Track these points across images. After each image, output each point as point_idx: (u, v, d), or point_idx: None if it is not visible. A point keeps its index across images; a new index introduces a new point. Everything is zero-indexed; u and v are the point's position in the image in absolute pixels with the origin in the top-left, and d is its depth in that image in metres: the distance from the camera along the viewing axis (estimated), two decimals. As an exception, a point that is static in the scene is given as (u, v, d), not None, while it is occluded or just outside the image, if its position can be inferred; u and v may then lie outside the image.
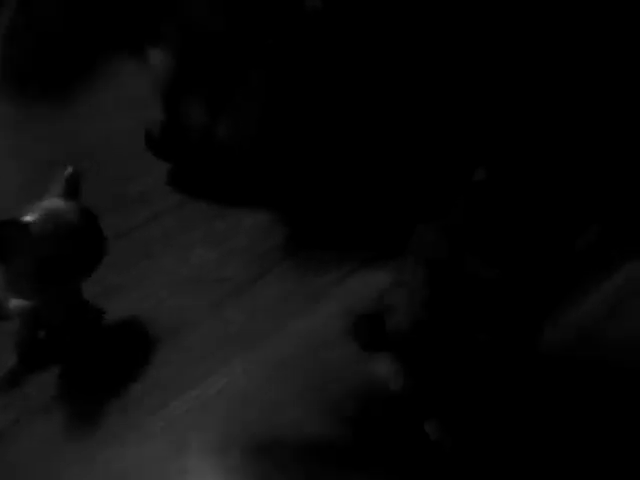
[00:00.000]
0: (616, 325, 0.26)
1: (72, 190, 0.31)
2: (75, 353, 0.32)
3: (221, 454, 0.26)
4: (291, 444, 0.26)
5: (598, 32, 0.23)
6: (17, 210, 0.29)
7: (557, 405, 0.23)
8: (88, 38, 0.54)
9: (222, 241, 0.37)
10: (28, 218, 0.28)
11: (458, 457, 0.22)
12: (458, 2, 0.24)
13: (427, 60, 0.32)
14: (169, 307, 0.34)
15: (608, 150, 0.22)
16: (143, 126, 0.41)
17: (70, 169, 0.31)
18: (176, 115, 0.38)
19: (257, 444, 0.26)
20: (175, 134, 0.39)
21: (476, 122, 0.22)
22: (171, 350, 0.31)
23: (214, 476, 0.26)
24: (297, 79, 0.34)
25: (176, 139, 0.39)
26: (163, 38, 0.38)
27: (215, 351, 0.31)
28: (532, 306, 0.19)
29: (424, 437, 0.23)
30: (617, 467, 0.21)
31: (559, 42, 0.25)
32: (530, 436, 0.23)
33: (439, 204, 0.20)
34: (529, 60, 0.25)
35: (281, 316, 0.32)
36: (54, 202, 0.30)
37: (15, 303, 0.31)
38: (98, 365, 0.31)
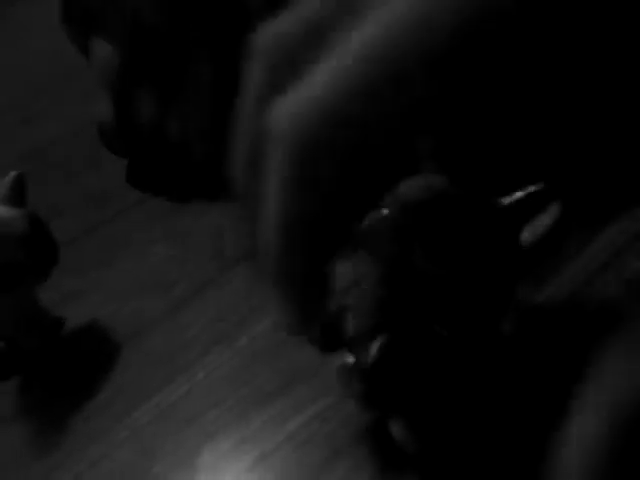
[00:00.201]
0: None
1: (17, 195, 0.29)
2: (35, 362, 0.31)
3: (189, 459, 0.26)
4: (269, 440, 0.25)
5: None
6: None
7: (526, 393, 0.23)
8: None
9: (182, 239, 0.36)
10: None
11: (422, 458, 0.22)
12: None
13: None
14: (129, 311, 0.33)
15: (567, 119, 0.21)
16: (94, 122, 0.39)
17: (14, 173, 0.30)
18: (126, 110, 0.37)
19: (229, 446, 0.26)
20: (127, 129, 0.38)
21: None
22: (134, 355, 0.30)
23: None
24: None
25: (128, 135, 0.38)
26: (109, 28, 0.37)
27: (176, 354, 0.30)
28: (489, 297, 0.19)
29: (388, 437, 0.22)
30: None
31: None
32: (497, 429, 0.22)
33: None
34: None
35: (244, 315, 0.31)
36: (-3, 210, 0.29)
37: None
38: (59, 373, 0.30)
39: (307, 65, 0.17)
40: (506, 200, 0.19)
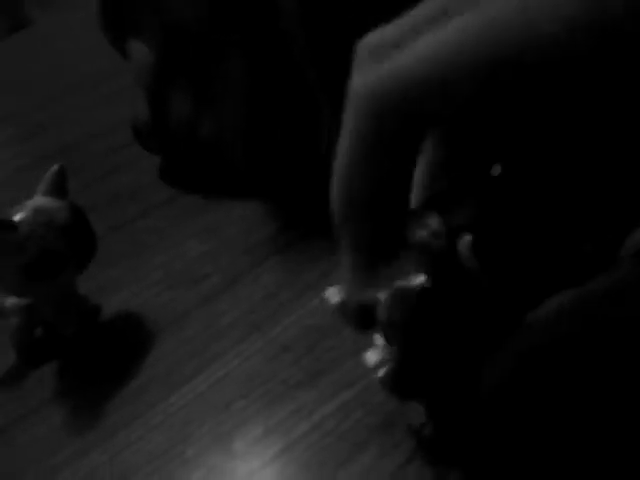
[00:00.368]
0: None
1: (59, 187, 0.31)
2: (73, 349, 0.32)
3: (221, 444, 0.26)
4: (299, 428, 0.26)
5: None
6: (4, 210, 0.29)
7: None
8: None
9: (214, 234, 0.37)
10: (17, 217, 0.28)
11: (440, 444, 0.22)
12: None
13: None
14: (163, 301, 0.34)
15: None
16: (130, 120, 0.40)
17: (56, 166, 0.31)
18: (161, 109, 0.38)
19: (261, 432, 0.26)
20: (161, 128, 0.39)
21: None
22: (168, 343, 0.31)
23: (216, 466, 0.26)
24: (282, 71, 0.34)
25: (162, 134, 0.39)
26: (144, 30, 0.38)
27: (209, 343, 0.31)
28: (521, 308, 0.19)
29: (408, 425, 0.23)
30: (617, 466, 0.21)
31: None
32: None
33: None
34: None
35: (274, 308, 0.32)
36: (41, 200, 0.30)
37: (11, 301, 0.31)
38: (96, 360, 0.31)
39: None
40: None
